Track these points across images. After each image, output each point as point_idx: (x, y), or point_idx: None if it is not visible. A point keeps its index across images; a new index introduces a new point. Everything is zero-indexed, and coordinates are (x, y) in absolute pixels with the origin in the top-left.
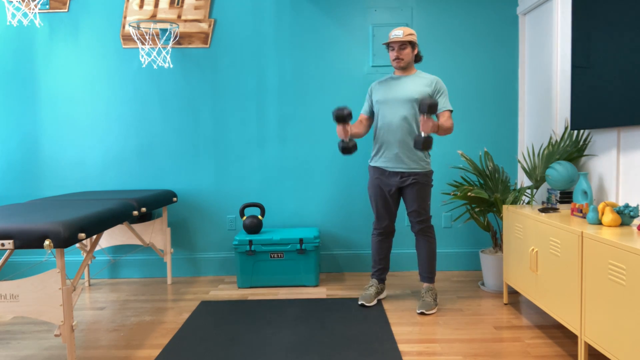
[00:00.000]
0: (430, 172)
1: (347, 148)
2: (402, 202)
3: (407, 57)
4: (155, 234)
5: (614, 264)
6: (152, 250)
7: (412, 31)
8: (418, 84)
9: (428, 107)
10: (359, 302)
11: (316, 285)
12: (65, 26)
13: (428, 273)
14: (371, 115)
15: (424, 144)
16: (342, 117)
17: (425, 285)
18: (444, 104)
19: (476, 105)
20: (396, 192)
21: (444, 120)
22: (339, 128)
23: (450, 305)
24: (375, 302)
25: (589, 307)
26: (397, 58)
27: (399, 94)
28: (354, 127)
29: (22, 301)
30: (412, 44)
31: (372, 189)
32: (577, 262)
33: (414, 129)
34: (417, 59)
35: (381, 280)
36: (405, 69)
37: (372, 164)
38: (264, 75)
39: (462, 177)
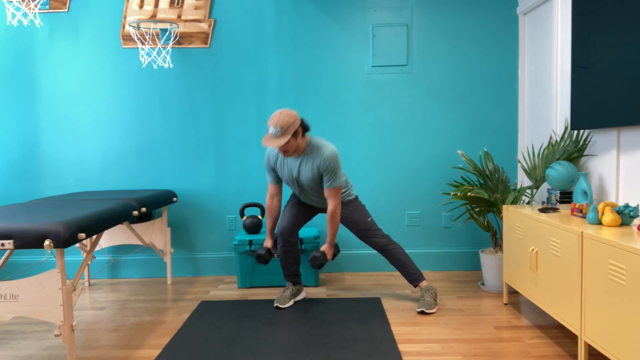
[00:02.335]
0: (355, 198)
1: (265, 259)
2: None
3: (292, 147)
4: (155, 234)
5: (614, 264)
6: (152, 250)
7: (290, 119)
8: (309, 171)
9: (319, 265)
10: (274, 305)
11: (316, 285)
12: (65, 26)
13: (413, 274)
14: (278, 181)
15: (318, 265)
16: (266, 259)
17: (422, 285)
18: (329, 183)
19: (476, 105)
20: (314, 210)
21: (330, 204)
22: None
23: (450, 305)
24: (291, 303)
25: (589, 307)
26: (283, 152)
27: (298, 180)
28: (271, 221)
29: (22, 301)
30: (293, 134)
31: (294, 198)
32: (577, 262)
33: (321, 191)
34: (305, 130)
35: (295, 283)
36: (295, 151)
37: None
38: (264, 75)
39: (462, 177)
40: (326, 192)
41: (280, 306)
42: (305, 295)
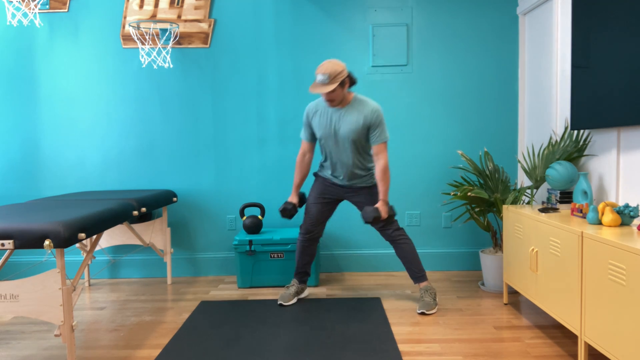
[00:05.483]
0: (375, 185)
1: (290, 213)
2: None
3: (339, 96)
4: (155, 234)
5: (614, 264)
6: (152, 250)
7: (338, 68)
8: (354, 121)
9: (372, 219)
10: (278, 302)
11: (316, 285)
12: (65, 26)
13: (416, 272)
14: (312, 139)
15: (371, 218)
16: (291, 213)
17: (421, 285)
18: (378, 136)
19: (476, 105)
20: (336, 202)
21: (379, 160)
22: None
23: (450, 305)
24: (294, 300)
25: (589, 307)
26: (329, 100)
27: (337, 132)
28: (300, 177)
29: (22, 301)
30: (340, 83)
31: (315, 192)
32: (577, 262)
33: (359, 158)
34: (352, 83)
35: (302, 282)
36: (340, 102)
37: (321, 174)
38: (264, 75)
39: (462, 177)
40: (375, 148)
41: (284, 304)
42: (308, 294)
